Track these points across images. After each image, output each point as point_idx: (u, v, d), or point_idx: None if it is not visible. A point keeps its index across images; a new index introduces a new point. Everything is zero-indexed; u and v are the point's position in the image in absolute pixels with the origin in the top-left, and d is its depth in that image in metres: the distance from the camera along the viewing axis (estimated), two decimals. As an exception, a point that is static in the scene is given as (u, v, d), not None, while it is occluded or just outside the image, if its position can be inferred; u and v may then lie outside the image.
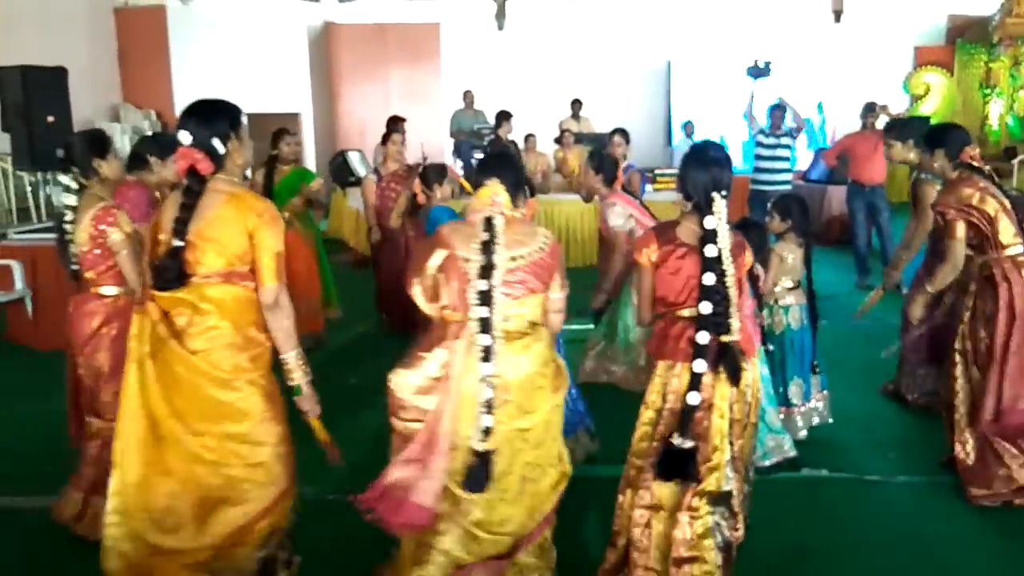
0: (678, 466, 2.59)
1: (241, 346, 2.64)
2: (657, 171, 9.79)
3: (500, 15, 13.70)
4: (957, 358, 3.69)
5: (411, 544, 2.61)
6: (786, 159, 8.01)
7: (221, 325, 2.61)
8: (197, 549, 2.62)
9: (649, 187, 8.61)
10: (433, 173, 4.99)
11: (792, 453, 3.88)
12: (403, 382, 2.58)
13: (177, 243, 2.55)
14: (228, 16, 11.99)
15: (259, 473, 2.67)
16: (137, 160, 3.78)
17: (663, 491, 2.68)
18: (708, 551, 2.62)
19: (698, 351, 2.55)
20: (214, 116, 2.63)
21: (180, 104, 11.47)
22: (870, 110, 7.78)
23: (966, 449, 3.63)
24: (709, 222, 2.58)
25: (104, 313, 3.27)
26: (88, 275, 3.30)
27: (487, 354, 2.41)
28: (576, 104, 11.72)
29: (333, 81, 13.11)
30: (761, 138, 8.04)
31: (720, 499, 2.66)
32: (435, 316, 2.63)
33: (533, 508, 2.63)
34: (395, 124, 6.95)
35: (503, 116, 8.83)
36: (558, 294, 2.68)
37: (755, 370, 2.81)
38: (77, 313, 3.31)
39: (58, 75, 8.69)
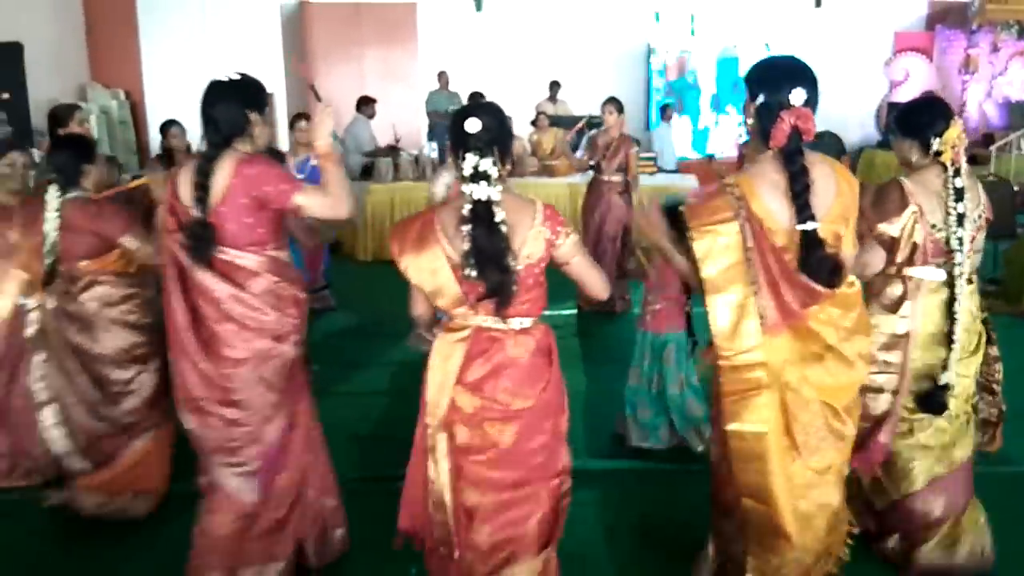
0: None
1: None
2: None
3: (478, -4, 13.51)
4: None
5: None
6: None
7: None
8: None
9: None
10: None
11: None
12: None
13: (809, 226, 2.14)
14: (199, -8, 11.73)
15: None
16: (236, 121, 2.55)
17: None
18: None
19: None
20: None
21: (150, 83, 11.46)
22: None
23: None
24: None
25: None
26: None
27: (953, 300, 2.66)
28: (555, 86, 11.58)
29: (307, 61, 12.88)
30: None
31: None
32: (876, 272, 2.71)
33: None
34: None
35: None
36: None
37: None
38: None
39: (13, 51, 8.48)
